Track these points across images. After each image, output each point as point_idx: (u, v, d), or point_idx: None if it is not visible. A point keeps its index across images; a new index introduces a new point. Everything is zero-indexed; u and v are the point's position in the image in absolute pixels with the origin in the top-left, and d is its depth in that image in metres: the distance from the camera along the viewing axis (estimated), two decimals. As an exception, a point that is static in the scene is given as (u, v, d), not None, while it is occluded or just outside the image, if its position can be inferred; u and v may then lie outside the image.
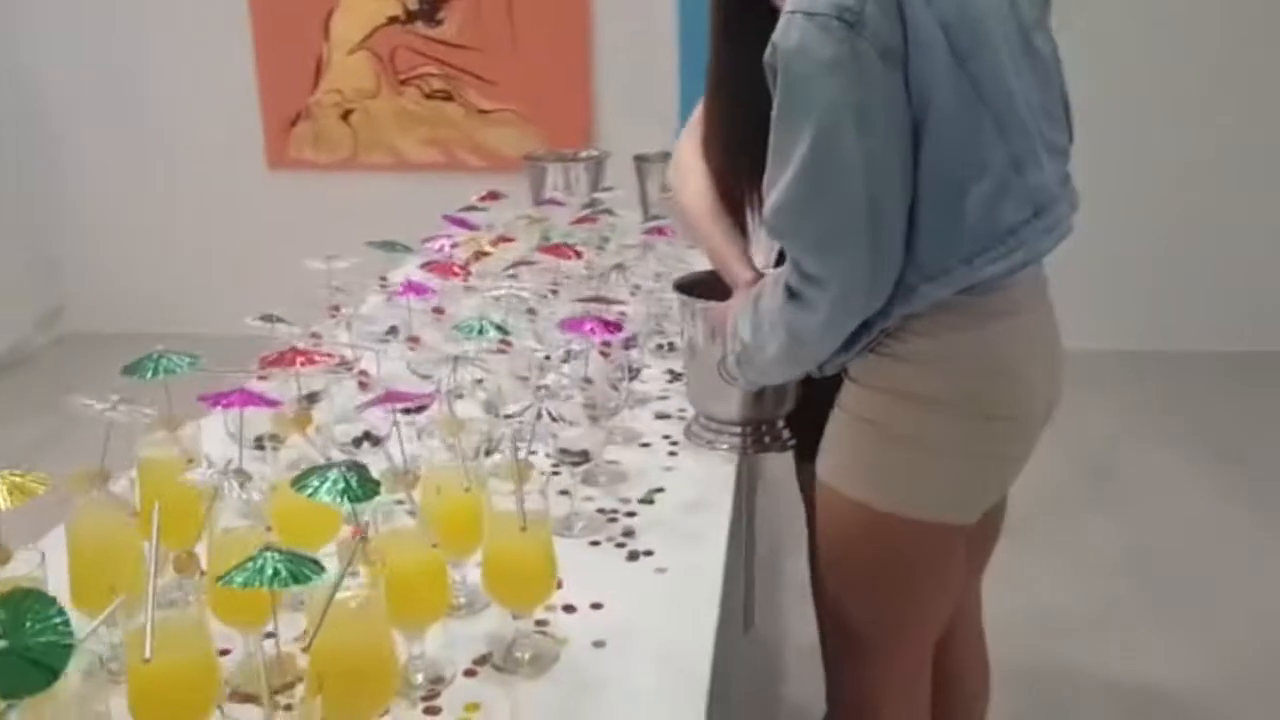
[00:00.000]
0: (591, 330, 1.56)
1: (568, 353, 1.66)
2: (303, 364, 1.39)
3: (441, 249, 2.27)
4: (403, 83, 4.98)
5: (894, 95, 1.34)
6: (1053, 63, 1.54)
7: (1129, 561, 3.38)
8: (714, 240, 1.75)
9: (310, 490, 1.04)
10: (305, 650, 0.95)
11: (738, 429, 1.83)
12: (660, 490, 1.70)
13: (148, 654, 0.90)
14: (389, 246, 2.06)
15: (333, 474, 1.05)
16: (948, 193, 1.38)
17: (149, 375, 1.37)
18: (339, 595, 1.03)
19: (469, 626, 1.36)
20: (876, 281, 1.39)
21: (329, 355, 1.44)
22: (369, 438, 1.58)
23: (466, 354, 1.51)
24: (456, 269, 1.89)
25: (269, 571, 0.88)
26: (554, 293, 2.04)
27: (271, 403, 1.27)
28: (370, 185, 5.03)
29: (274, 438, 1.45)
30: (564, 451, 1.55)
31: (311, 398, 1.71)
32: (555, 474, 1.57)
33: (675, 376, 2.14)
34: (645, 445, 1.87)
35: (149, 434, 1.39)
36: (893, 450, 1.51)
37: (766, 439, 1.84)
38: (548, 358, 1.77)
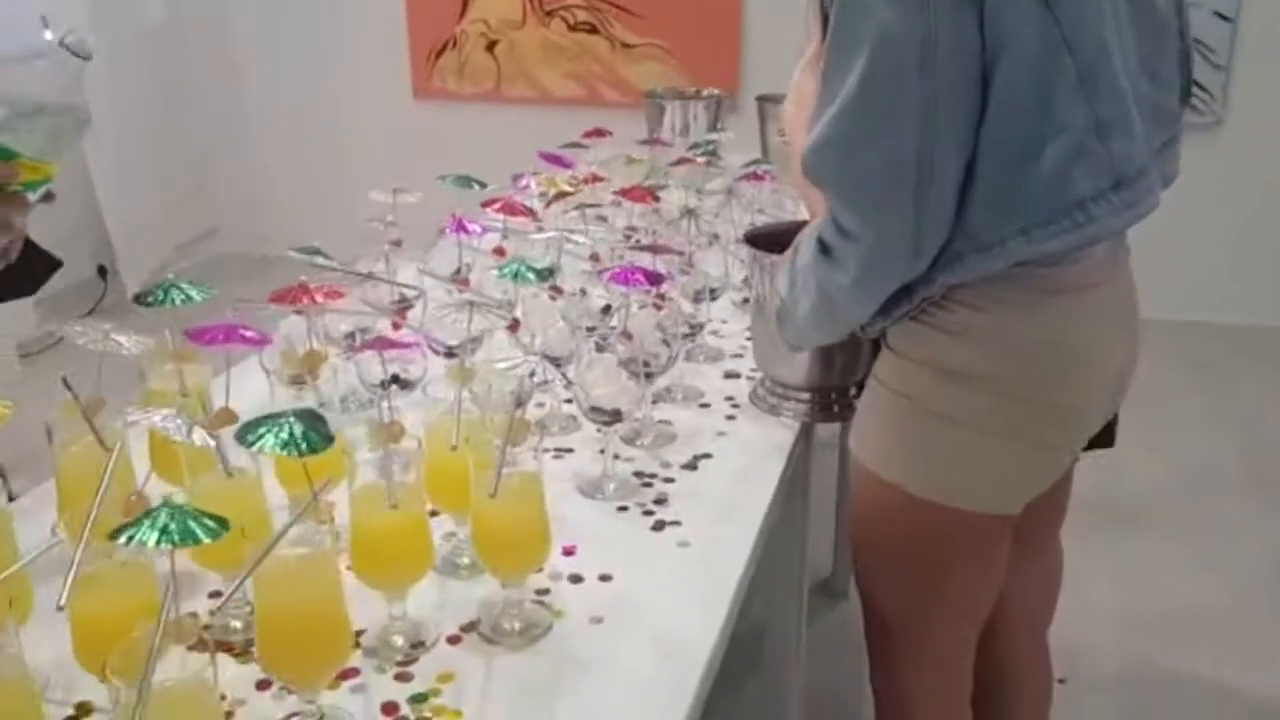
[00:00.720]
0: (633, 280, 1.44)
1: (606, 308, 1.55)
2: (306, 300, 1.32)
3: (527, 186, 2.18)
4: (548, 14, 4.90)
5: (964, 32, 1.17)
6: (1169, 15, 1.33)
7: None
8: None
9: (256, 441, 0.96)
10: (217, 610, 0.89)
11: (805, 395, 1.70)
12: (707, 456, 1.59)
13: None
14: (463, 182, 1.98)
15: (281, 424, 0.98)
16: (1013, 152, 1.21)
17: (164, 303, 1.33)
18: (287, 551, 0.96)
19: (466, 589, 1.28)
20: (918, 244, 1.23)
21: (337, 292, 1.37)
22: (397, 380, 1.52)
23: (489, 301, 1.41)
24: (523, 208, 1.79)
25: (157, 526, 0.82)
26: (627, 236, 1.93)
27: (257, 340, 1.21)
28: (511, 118, 4.99)
29: (296, 379, 1.41)
30: (595, 410, 1.45)
31: (352, 337, 1.67)
32: (601, 429, 1.47)
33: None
34: (704, 406, 1.75)
35: (158, 365, 1.35)
36: (930, 430, 1.36)
37: (835, 407, 1.70)
38: (607, 309, 1.67)
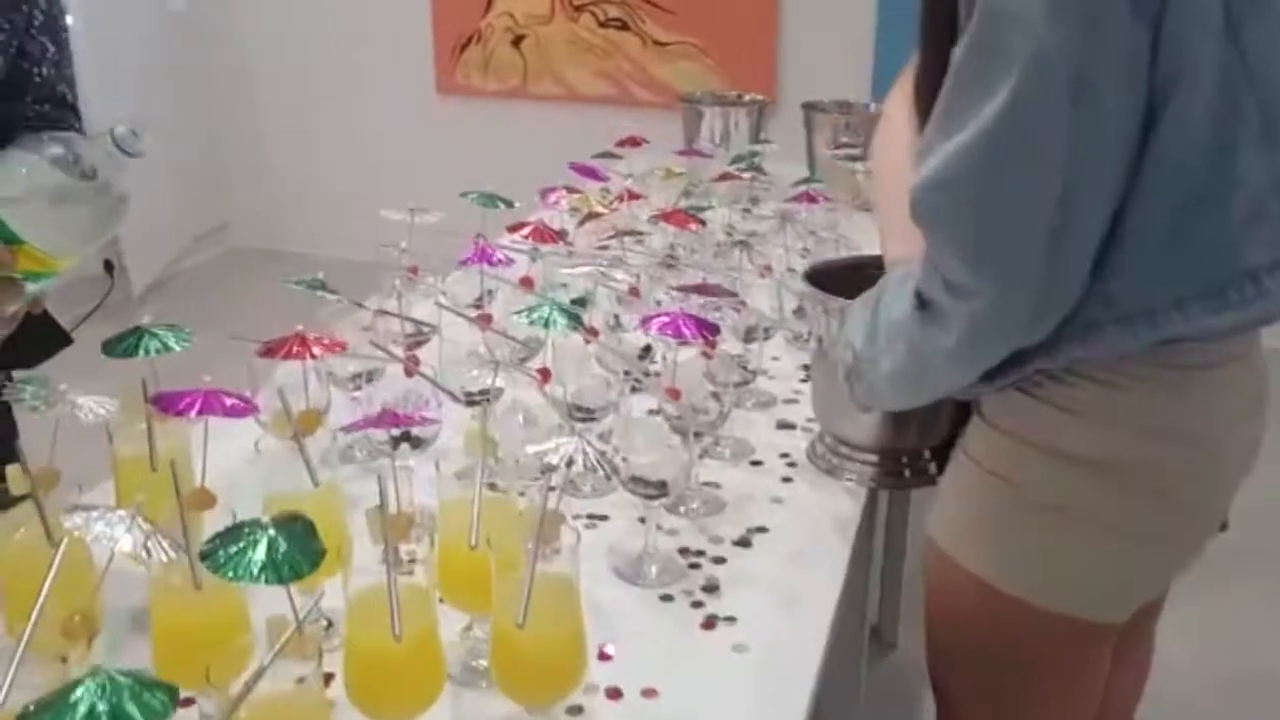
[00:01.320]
0: (684, 333, 1.24)
1: (646, 349, 1.34)
2: (299, 355, 1.11)
3: (557, 203, 1.97)
4: (578, 9, 4.68)
5: (1134, 58, 0.94)
6: None
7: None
8: (891, 209, 1.38)
9: (227, 565, 0.76)
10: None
11: (871, 457, 1.48)
12: (761, 530, 1.38)
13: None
14: (489, 201, 1.77)
15: (258, 537, 0.77)
16: (1174, 207, 0.99)
17: (139, 353, 1.13)
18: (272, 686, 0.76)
19: (485, 705, 1.07)
20: (1041, 308, 1.02)
21: (335, 344, 1.16)
22: (409, 438, 1.31)
23: (515, 364, 1.21)
24: (553, 234, 1.59)
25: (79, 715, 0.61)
26: (670, 265, 1.72)
27: (239, 409, 1.00)
28: (537, 115, 4.78)
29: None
30: (637, 481, 1.24)
31: (368, 376, 1.47)
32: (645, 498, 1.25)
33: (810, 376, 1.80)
34: (757, 464, 1.54)
35: (128, 425, 1.15)
36: (1030, 520, 1.15)
37: (906, 472, 1.49)
38: (645, 350, 1.47)
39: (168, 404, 0.97)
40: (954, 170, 0.99)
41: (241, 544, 0.77)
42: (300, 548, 0.78)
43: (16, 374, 1.05)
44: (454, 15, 4.80)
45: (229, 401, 0.98)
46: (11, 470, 1.02)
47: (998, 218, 0.99)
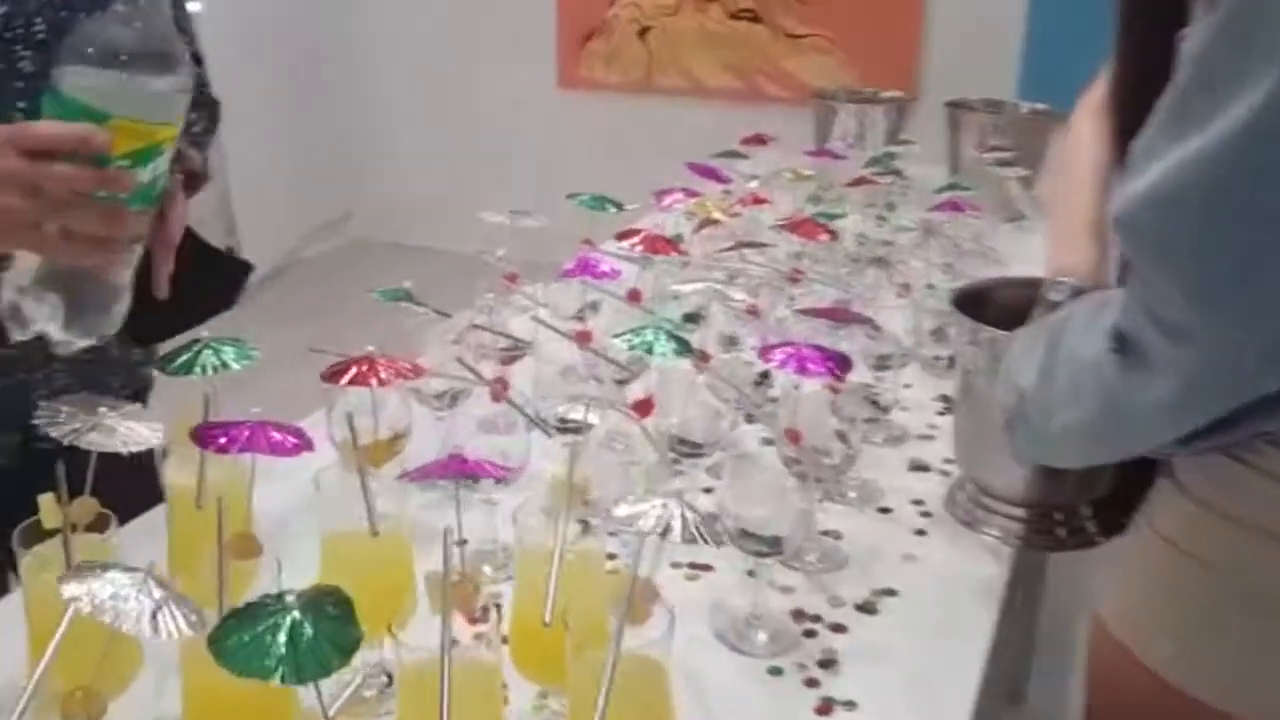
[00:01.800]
0: (810, 369, 1.06)
1: (762, 377, 1.17)
2: (363, 381, 0.98)
3: (671, 206, 1.82)
4: (707, 0, 4.52)
5: None
6: None
7: None
8: (1070, 216, 1.17)
9: (239, 656, 0.62)
10: None
11: (1020, 511, 1.29)
12: (890, 593, 1.20)
13: None
14: (598, 204, 1.62)
15: (278, 620, 0.63)
16: None
17: (196, 371, 1.01)
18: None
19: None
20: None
21: (409, 369, 1.02)
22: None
23: (608, 377, 1.05)
24: (665, 242, 1.43)
25: None
26: (795, 280, 1.55)
27: (289, 447, 0.86)
28: (662, 110, 4.63)
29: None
30: (745, 535, 1.08)
31: (454, 397, 1.33)
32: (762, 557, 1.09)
33: (948, 405, 1.61)
34: (885, 511, 1.36)
35: (181, 448, 1.03)
36: (1235, 615, 0.94)
37: (1061, 531, 1.28)
38: (762, 376, 1.30)
39: (208, 438, 0.84)
40: (1185, 182, 0.79)
41: (259, 628, 0.63)
42: (331, 637, 0.63)
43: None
44: (579, 7, 4.69)
45: (279, 436, 0.84)
46: (45, 501, 0.91)
47: (1240, 244, 0.78)
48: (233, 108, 1.39)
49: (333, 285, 4.69)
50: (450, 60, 4.97)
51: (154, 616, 0.67)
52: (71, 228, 0.93)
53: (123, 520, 1.21)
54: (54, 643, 0.67)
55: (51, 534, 0.90)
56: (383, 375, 0.98)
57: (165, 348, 1.09)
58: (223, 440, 0.82)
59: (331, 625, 0.64)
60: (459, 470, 0.80)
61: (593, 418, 1.08)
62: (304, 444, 0.85)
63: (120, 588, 0.68)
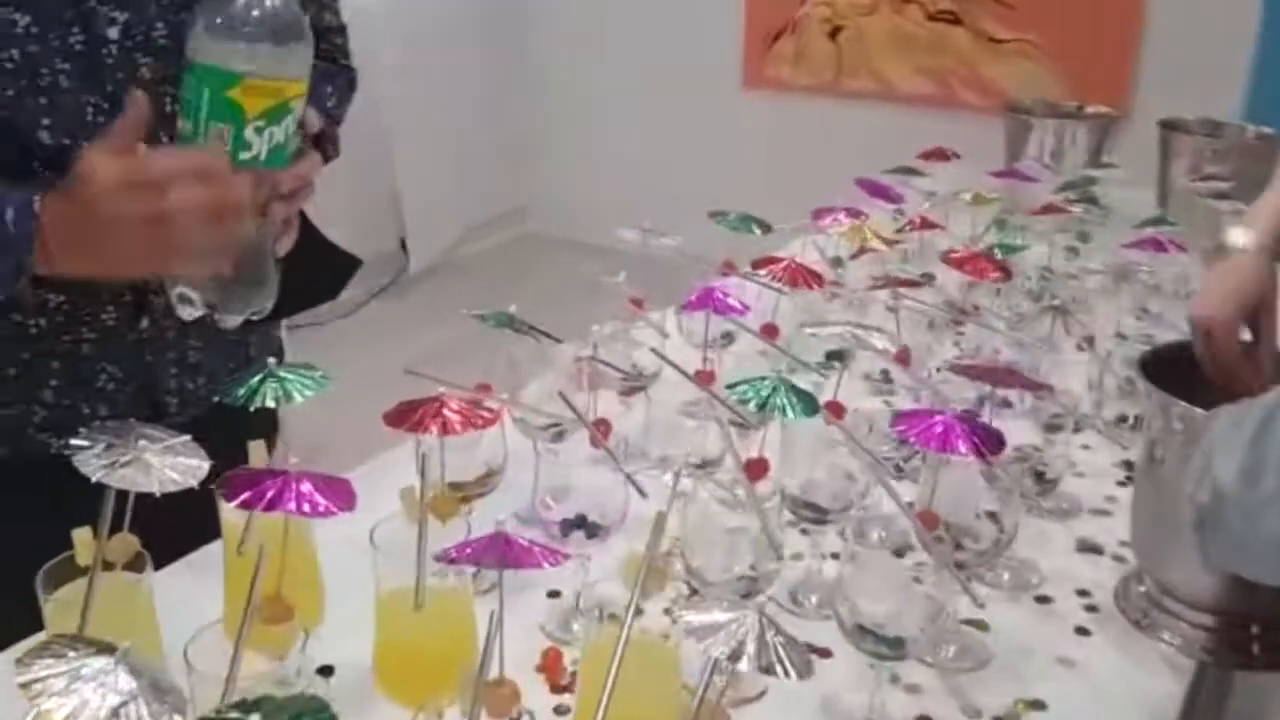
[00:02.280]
0: (953, 442, 0.90)
1: (903, 453, 1.01)
2: (421, 429, 0.86)
3: (832, 223, 1.65)
4: (905, 0, 4.28)
5: None
6: None
7: None
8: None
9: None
10: None
11: (1208, 619, 1.09)
12: (1039, 707, 1.01)
13: None
14: (743, 224, 1.48)
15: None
16: None
17: (256, 400, 0.94)
18: None
19: None
20: None
21: (485, 412, 0.90)
22: (584, 524, 1.05)
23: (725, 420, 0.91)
24: (807, 277, 1.27)
25: None
26: (958, 322, 1.37)
27: (320, 509, 0.74)
28: (848, 114, 4.42)
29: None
30: (862, 631, 0.92)
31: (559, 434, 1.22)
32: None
33: (1132, 474, 1.40)
34: (1043, 600, 1.17)
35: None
36: None
37: (1255, 647, 1.08)
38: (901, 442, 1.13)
39: (234, 489, 0.74)
40: None
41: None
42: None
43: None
44: (768, 5, 4.52)
45: (308, 491, 0.73)
46: (79, 536, 0.83)
47: None
48: (411, 101, 1.36)
49: (501, 278, 4.68)
50: (633, 58, 4.87)
51: (115, 714, 0.57)
52: (203, 246, 0.97)
53: (178, 554, 1.15)
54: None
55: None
56: (449, 420, 0.86)
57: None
58: (246, 495, 0.72)
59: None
60: (500, 556, 0.67)
61: (685, 483, 0.94)
62: (340, 504, 0.74)
63: (83, 675, 0.58)
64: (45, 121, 1.05)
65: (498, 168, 5.10)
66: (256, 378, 0.93)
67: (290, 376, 0.93)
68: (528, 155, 5.24)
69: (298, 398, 0.91)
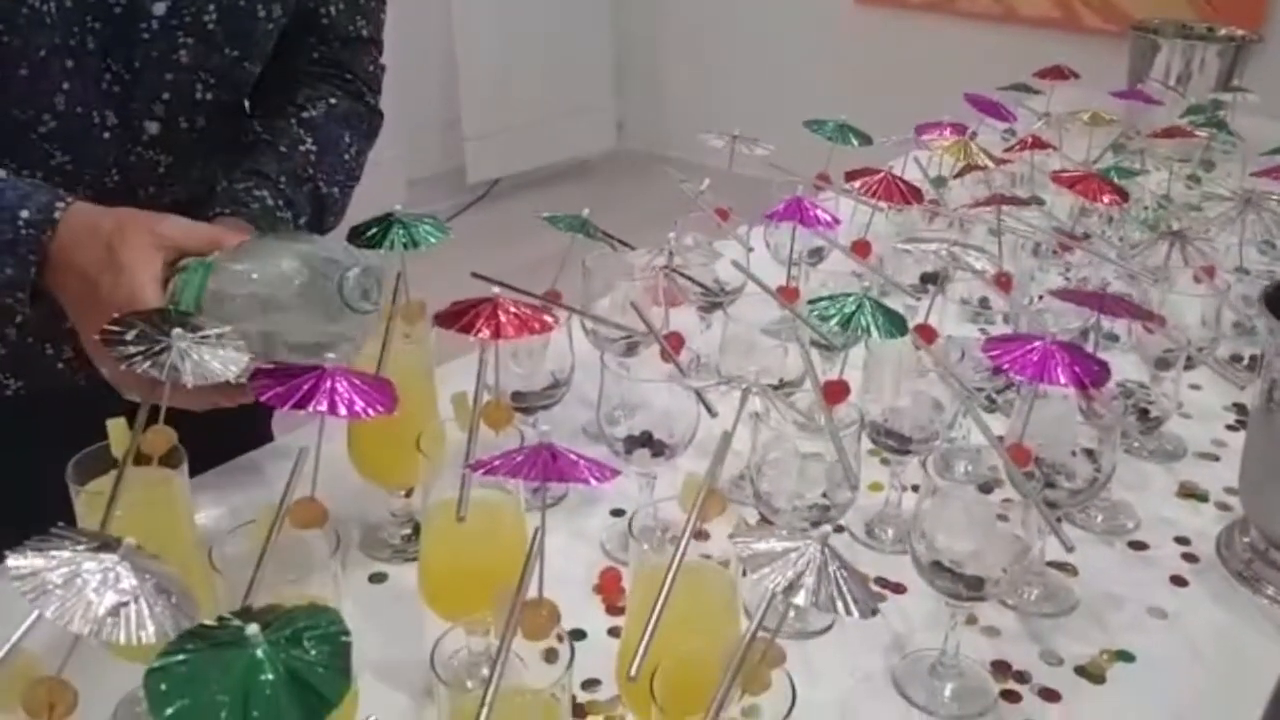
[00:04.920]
0: (1051, 372, 0.82)
1: (996, 384, 0.94)
2: (472, 329, 0.81)
3: (934, 140, 1.55)
4: (1030, -84, 4.06)
5: None
6: None
7: None
8: None
9: (162, 705, 0.47)
10: None
11: (1320, 575, 1.00)
12: (1126, 658, 0.94)
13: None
14: (840, 134, 1.39)
15: (230, 664, 0.48)
16: None
17: (385, 246, 0.96)
18: None
19: None
20: None
21: (543, 318, 0.84)
22: (649, 442, 1.00)
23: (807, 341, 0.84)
24: (903, 190, 1.19)
25: None
26: (1065, 249, 1.27)
27: (355, 407, 0.69)
28: (965, 34, 4.23)
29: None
30: (938, 569, 0.85)
31: (631, 347, 1.17)
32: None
33: (1244, 418, 1.30)
34: (1138, 546, 1.09)
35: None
36: None
37: (1375, 609, 0.99)
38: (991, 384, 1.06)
39: (262, 386, 0.69)
40: None
41: (207, 668, 0.48)
42: (297, 693, 0.48)
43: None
44: (889, -84, 4.33)
45: (344, 389, 0.68)
46: (114, 426, 0.80)
47: None
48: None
49: (596, 193, 4.62)
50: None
51: (116, 612, 0.54)
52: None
53: (226, 457, 1.13)
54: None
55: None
56: (502, 323, 0.81)
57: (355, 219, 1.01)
58: (276, 391, 0.68)
59: (303, 673, 0.49)
60: (543, 470, 0.62)
61: (756, 403, 0.88)
62: (379, 405, 0.69)
63: (80, 570, 0.55)
64: (65, 86, 0.99)
65: (597, 81, 5.01)
66: (383, 224, 0.94)
67: (416, 225, 0.94)
68: (631, 69, 5.13)
69: (423, 244, 0.94)
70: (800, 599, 0.58)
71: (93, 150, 0.95)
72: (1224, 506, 1.15)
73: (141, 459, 0.76)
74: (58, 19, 0.95)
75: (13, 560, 0.54)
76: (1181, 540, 1.10)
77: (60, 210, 0.88)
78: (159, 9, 1.00)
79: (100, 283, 0.86)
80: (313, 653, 0.50)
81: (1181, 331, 1.15)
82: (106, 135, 1.03)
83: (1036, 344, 0.84)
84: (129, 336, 0.75)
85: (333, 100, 1.18)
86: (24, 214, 0.88)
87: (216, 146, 1.12)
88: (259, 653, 0.49)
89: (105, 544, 0.57)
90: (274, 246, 0.87)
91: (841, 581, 0.60)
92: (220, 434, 0.90)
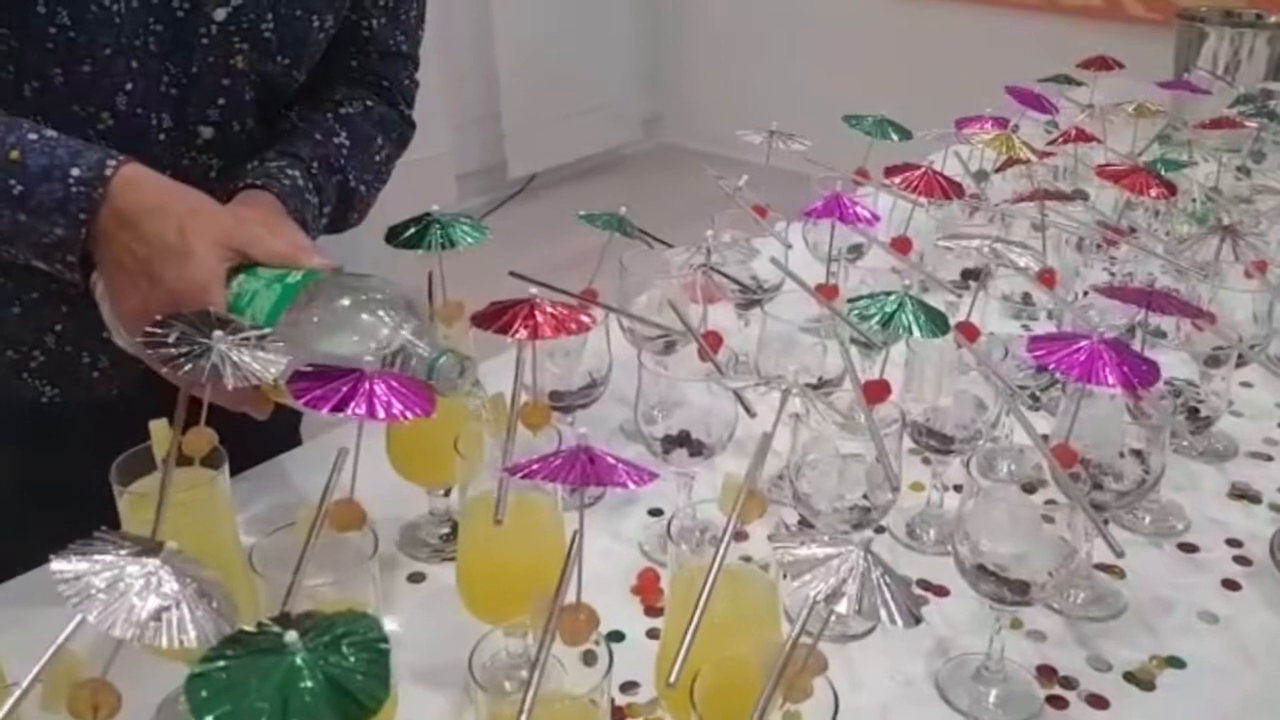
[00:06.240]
0: (1099, 373, 0.80)
1: (1041, 382, 0.92)
2: (521, 331, 0.80)
3: (974, 134, 1.53)
4: (1072, -97, 4.00)
5: None
6: None
7: None
8: None
9: (209, 708, 0.47)
10: None
11: (1376, 579, 0.98)
12: (1177, 664, 0.93)
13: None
14: (879, 128, 1.38)
15: (267, 670, 0.48)
16: None
17: (422, 248, 0.97)
18: None
19: None
20: None
21: (581, 318, 0.83)
22: (687, 442, 0.99)
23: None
24: (943, 185, 1.17)
25: None
26: (1110, 243, 1.25)
27: (393, 410, 0.69)
28: (1005, 24, 4.17)
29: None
30: (983, 573, 0.84)
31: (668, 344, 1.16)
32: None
33: (1300, 417, 1.28)
34: (1189, 549, 1.07)
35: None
36: None
37: None
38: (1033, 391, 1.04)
39: (301, 388, 0.69)
40: None
41: (245, 673, 0.48)
42: (334, 700, 0.47)
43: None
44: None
45: (382, 392, 0.68)
46: (157, 428, 0.81)
47: None
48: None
49: (633, 189, 4.62)
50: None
51: (158, 616, 0.54)
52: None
53: (255, 459, 1.13)
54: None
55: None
56: (539, 323, 0.80)
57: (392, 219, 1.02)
58: (315, 394, 0.68)
59: (340, 679, 0.48)
60: (581, 473, 0.61)
61: (796, 403, 0.87)
62: (417, 408, 0.68)
63: (124, 575, 0.55)
64: (128, 86, 0.99)
65: (635, 76, 5.00)
66: (421, 223, 0.95)
67: (454, 226, 0.95)
68: (665, 62, 5.12)
69: (460, 244, 0.94)
70: (842, 607, 0.57)
71: (147, 152, 0.95)
72: (1277, 508, 1.12)
73: (183, 460, 0.76)
74: (126, 18, 0.96)
75: (57, 564, 0.54)
76: (1233, 543, 1.07)
77: (111, 168, 0.87)
78: (220, 14, 1.00)
79: (161, 260, 0.85)
80: (351, 659, 0.49)
81: (1232, 328, 1.13)
82: (162, 137, 1.03)
83: (1083, 343, 0.83)
84: (170, 338, 0.75)
85: (369, 103, 1.18)
86: (75, 171, 0.86)
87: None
88: (298, 660, 0.48)
89: (148, 548, 0.57)
90: (367, 307, 0.84)
91: (884, 589, 0.59)
92: (249, 436, 0.89)
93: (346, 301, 0.84)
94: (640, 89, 5.07)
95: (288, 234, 0.94)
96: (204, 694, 0.47)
